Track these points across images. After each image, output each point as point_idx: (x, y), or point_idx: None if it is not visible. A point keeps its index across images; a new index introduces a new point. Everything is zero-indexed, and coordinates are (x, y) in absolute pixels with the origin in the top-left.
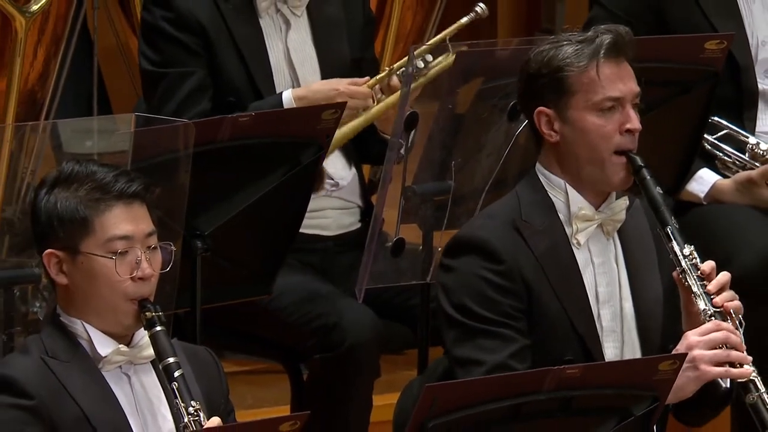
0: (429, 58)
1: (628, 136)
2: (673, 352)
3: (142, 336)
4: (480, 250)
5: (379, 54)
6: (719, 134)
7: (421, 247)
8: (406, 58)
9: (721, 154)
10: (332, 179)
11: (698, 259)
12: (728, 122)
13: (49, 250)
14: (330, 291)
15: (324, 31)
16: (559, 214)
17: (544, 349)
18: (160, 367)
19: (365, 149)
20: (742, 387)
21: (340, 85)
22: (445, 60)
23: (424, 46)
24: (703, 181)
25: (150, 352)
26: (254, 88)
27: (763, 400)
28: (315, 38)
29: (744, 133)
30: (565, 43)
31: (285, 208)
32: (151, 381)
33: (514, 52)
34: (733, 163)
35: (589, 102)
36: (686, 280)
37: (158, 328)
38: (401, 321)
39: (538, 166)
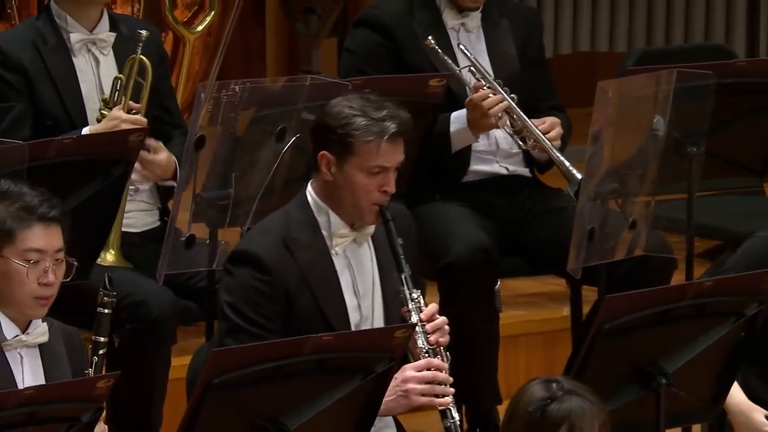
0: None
1: (384, 194)
2: (395, 377)
3: (37, 326)
4: (253, 263)
5: (174, 88)
6: None
7: (208, 241)
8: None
9: None
10: (133, 185)
11: (423, 303)
12: None
13: None
14: (137, 275)
15: None
16: (322, 231)
17: None
18: None
19: None
20: (442, 414)
21: (120, 114)
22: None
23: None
24: (457, 117)
25: (40, 339)
26: (68, 115)
27: (455, 426)
28: (124, 71)
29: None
30: (360, 114)
31: (100, 211)
32: (36, 363)
33: (280, 87)
34: None
35: (362, 165)
36: (410, 319)
37: None
38: (192, 299)
39: (309, 189)
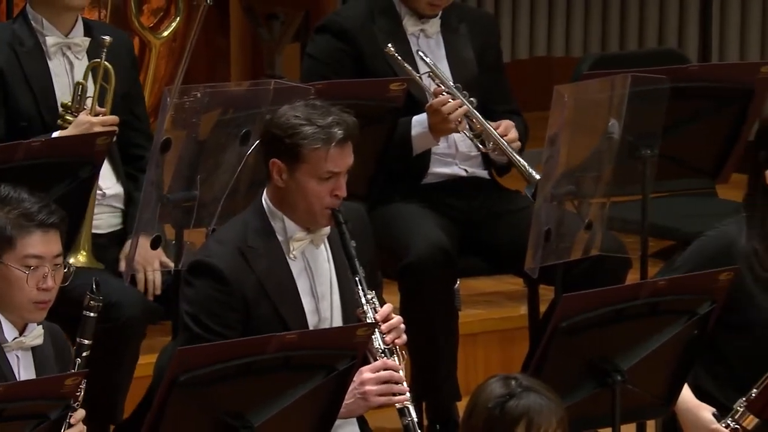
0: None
1: (336, 198)
2: (353, 380)
3: (33, 328)
4: (211, 275)
5: None
6: None
7: (174, 241)
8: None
9: None
10: (101, 190)
11: (377, 303)
12: None
13: None
14: (107, 276)
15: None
16: (278, 237)
17: None
18: None
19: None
20: (400, 412)
21: (89, 118)
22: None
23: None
24: (419, 121)
25: (37, 341)
26: (41, 116)
27: (413, 423)
28: (94, 76)
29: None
30: (306, 122)
31: (68, 213)
32: (29, 365)
33: (242, 91)
34: None
35: (313, 172)
36: (365, 320)
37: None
38: (158, 299)
39: (265, 196)
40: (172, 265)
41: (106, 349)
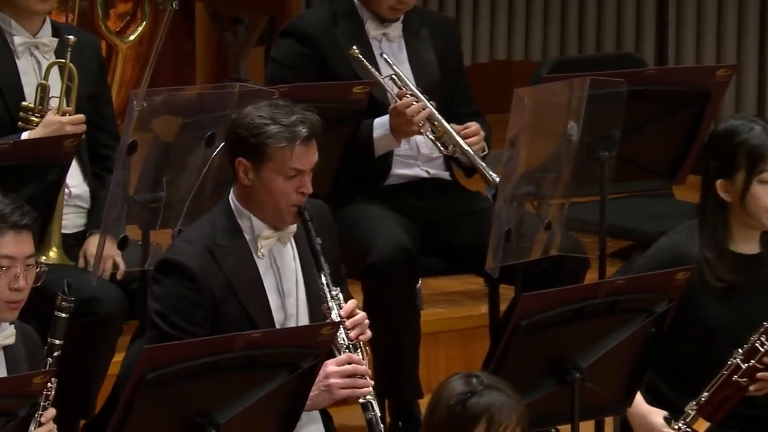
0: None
1: (302, 195)
2: (319, 375)
3: (5, 328)
4: (180, 273)
5: None
6: None
7: (140, 242)
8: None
9: None
10: (68, 188)
11: (342, 300)
12: None
13: None
14: (84, 273)
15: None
16: (246, 236)
17: None
18: None
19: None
20: (363, 407)
21: (59, 118)
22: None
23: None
24: (380, 123)
25: (8, 341)
26: (10, 114)
27: (376, 418)
28: (62, 77)
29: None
30: (270, 122)
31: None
32: (1, 364)
33: (209, 95)
34: None
35: (278, 169)
36: (330, 316)
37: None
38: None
39: (232, 196)
40: (122, 266)
41: (84, 343)
